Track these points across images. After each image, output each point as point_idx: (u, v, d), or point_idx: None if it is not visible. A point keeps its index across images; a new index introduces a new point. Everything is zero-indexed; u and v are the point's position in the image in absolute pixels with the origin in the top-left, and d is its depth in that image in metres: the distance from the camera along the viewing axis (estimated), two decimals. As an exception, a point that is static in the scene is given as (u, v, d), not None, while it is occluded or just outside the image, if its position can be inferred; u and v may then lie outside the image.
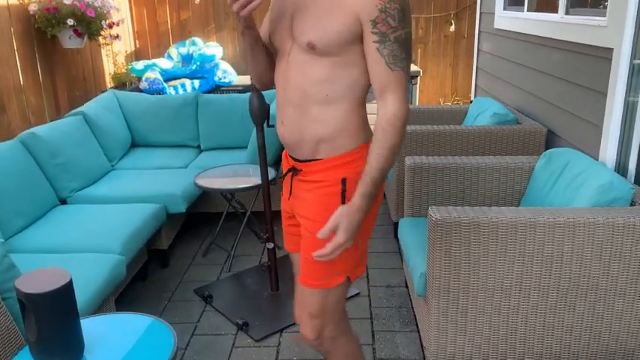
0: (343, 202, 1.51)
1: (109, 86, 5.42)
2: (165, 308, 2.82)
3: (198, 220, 3.85)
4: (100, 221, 2.75)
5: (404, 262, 2.73)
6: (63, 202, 3.12)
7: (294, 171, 1.62)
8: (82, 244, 2.54)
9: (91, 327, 1.70)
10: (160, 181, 3.27)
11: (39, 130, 3.07)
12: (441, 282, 2.01)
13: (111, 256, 2.44)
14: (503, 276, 1.99)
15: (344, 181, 1.53)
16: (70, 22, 3.89)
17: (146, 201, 3.08)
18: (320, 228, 1.43)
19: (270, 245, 2.81)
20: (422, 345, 2.44)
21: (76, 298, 2.09)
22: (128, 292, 2.97)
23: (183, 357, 2.43)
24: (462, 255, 1.98)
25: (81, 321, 1.63)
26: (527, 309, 2.03)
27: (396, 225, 3.43)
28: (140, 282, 3.07)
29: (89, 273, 2.27)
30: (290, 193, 1.66)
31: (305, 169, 1.59)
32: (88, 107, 3.66)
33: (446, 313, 2.05)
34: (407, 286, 2.90)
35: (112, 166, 3.65)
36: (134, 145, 4.08)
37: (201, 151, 4.04)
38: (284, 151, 1.68)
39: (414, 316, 2.66)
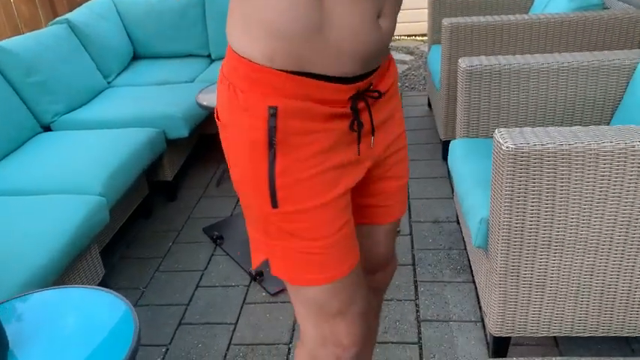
0: None
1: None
2: (169, 252, 2.38)
3: (212, 143, 3.34)
4: (81, 153, 2.27)
5: (455, 194, 2.17)
6: (47, 128, 2.65)
7: (364, 97, 0.93)
8: (57, 183, 2.08)
9: (21, 312, 1.25)
10: (159, 100, 2.74)
11: (9, 43, 2.55)
12: (510, 232, 1.45)
13: (89, 198, 1.97)
14: (601, 224, 1.41)
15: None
16: None
17: (142, 124, 2.57)
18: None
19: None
20: (479, 302, 1.92)
21: (39, 254, 1.66)
22: (128, 232, 2.54)
23: (183, 316, 2.00)
24: (542, 196, 1.39)
25: (7, 305, 1.18)
26: (635, 269, 1.46)
27: (444, 144, 2.83)
28: (142, 219, 2.64)
29: (58, 221, 1.81)
30: (373, 134, 0.98)
31: (382, 76, 0.98)
32: (75, 14, 3.09)
33: (517, 273, 1.51)
34: (458, 222, 2.35)
35: (109, 83, 3.13)
36: (136, 57, 3.52)
37: (212, 60, 3.45)
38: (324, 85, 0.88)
39: (468, 261, 2.13)
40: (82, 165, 2.15)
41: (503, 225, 1.45)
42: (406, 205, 1.17)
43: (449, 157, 2.08)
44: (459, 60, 2.03)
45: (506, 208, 1.43)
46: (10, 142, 2.39)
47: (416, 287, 2.02)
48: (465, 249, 2.20)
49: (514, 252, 1.48)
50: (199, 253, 2.35)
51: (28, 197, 1.98)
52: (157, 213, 2.69)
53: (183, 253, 2.36)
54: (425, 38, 5.05)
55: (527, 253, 1.48)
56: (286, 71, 0.82)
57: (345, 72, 0.84)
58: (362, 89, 0.90)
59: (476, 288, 1.99)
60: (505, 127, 2.05)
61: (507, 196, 1.41)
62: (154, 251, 2.39)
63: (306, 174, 0.87)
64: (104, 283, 2.09)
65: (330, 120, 0.88)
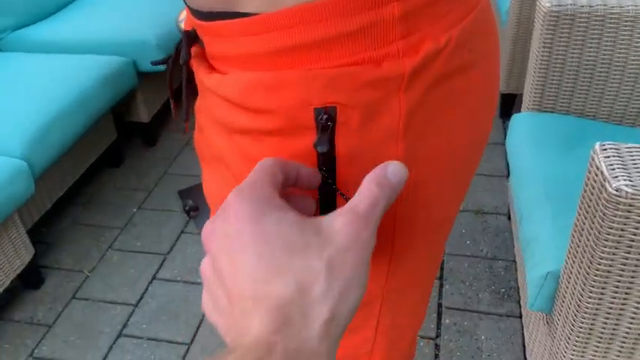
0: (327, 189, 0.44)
1: None
2: (130, 221, 1.88)
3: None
4: (16, 91, 1.73)
5: (510, 190, 1.55)
6: (-6, 46, 2.10)
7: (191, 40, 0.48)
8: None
9: None
10: (135, 19, 2.12)
11: None
12: (598, 312, 0.86)
13: (4, 162, 1.45)
14: None
15: (322, 115, 0.41)
16: None
17: (110, 50, 1.98)
18: None
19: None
20: (525, 354, 1.36)
21: None
22: (89, 185, 2.04)
23: (126, 323, 1.52)
24: (667, 276, 0.79)
25: None
26: None
27: (505, 98, 2.15)
28: (111, 169, 2.13)
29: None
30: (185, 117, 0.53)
31: (213, 45, 0.45)
32: None
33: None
34: (510, 217, 1.73)
35: (86, -12, 2.50)
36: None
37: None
38: None
39: (517, 282, 1.55)
40: (7, 112, 1.61)
41: (589, 301, 0.86)
42: None
43: (508, 136, 1.44)
44: (542, -6, 1.32)
45: (593, 269, 0.83)
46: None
47: (439, 316, 1.46)
48: (515, 261, 1.61)
49: (599, 343, 0.90)
50: (166, 227, 1.84)
51: None
52: (129, 161, 2.17)
53: (147, 225, 1.85)
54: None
55: (624, 347, 0.89)
56: None
57: None
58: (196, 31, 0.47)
59: (523, 326, 1.42)
60: (598, 104, 1.37)
61: (604, 262, 0.81)
62: (114, 218, 1.89)
63: None
64: (34, 263, 1.62)
65: None
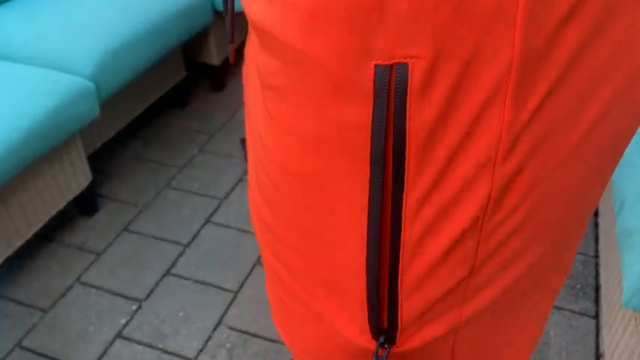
0: None
1: None
2: (191, 162, 1.83)
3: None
4: (91, 11, 1.69)
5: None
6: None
7: None
8: (46, 51, 1.53)
9: None
10: (220, -47, 2.04)
11: None
12: None
13: (72, 80, 1.42)
14: None
15: (385, 78, 0.26)
16: None
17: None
18: None
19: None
20: (597, 352, 1.23)
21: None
22: (152, 122, 2.00)
23: (175, 263, 1.48)
24: None
25: None
26: None
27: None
28: (176, 109, 2.08)
29: (21, 104, 1.29)
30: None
31: None
32: None
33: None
34: (596, 210, 1.58)
35: None
36: None
37: None
38: None
39: (596, 278, 1.41)
40: (79, 32, 1.57)
41: None
42: None
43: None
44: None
45: None
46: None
47: (504, 303, 1.35)
48: (596, 256, 1.47)
49: None
50: (226, 173, 1.78)
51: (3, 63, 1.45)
52: (194, 104, 2.12)
53: (206, 168, 1.80)
54: None
55: None
56: None
57: None
58: None
59: (597, 328, 1.28)
60: None
61: None
62: (174, 157, 1.85)
63: None
64: (91, 190, 1.60)
65: None
